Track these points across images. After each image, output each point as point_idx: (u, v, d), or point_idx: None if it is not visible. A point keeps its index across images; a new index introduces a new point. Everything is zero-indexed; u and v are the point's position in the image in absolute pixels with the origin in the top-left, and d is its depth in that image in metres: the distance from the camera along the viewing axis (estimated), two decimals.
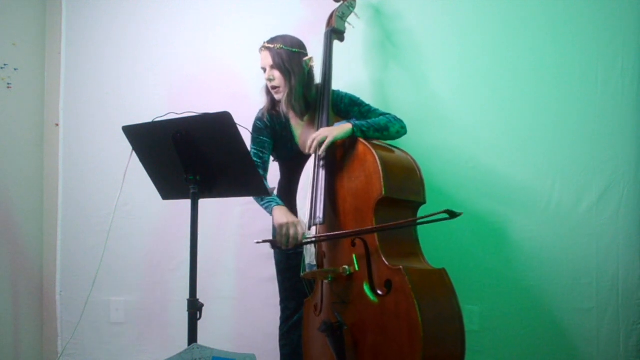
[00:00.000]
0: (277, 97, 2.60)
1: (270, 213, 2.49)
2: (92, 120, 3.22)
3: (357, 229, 2.28)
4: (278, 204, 2.49)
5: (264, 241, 2.40)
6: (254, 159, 2.52)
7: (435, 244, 2.66)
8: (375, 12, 3.03)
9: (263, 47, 2.60)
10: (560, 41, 2.93)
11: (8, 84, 3.05)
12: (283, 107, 2.59)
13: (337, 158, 2.44)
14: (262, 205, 2.54)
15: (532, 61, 2.94)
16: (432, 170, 2.85)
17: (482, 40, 2.98)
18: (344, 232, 2.32)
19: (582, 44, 2.91)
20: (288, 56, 2.54)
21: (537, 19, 2.94)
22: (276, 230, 2.43)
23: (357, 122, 2.46)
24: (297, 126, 2.66)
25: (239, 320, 3.13)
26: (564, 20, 2.93)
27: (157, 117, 2.24)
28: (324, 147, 2.38)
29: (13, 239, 3.08)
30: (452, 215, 2.01)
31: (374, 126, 2.48)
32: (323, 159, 2.42)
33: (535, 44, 2.94)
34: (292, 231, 2.37)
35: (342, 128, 2.42)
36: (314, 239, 2.36)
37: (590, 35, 2.91)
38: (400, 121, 2.57)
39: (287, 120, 2.65)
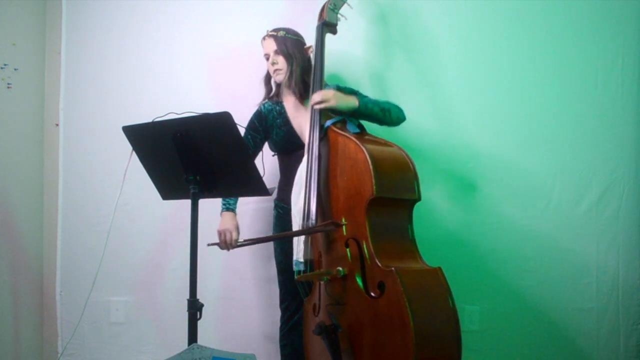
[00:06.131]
0: (277, 78, 2.72)
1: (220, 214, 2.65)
2: (92, 120, 3.21)
3: (255, 238, 2.56)
4: (228, 209, 2.65)
5: (214, 244, 2.54)
6: None
7: (435, 244, 2.66)
8: (378, 9, 3.03)
9: (267, 35, 2.72)
10: (561, 41, 2.93)
11: (8, 84, 3.05)
12: (282, 88, 2.71)
13: (329, 156, 2.44)
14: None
15: (532, 61, 2.95)
16: (432, 170, 2.85)
17: (481, 40, 2.98)
18: (262, 237, 2.60)
19: (582, 44, 2.92)
20: (291, 43, 2.69)
21: (536, 18, 2.95)
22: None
23: (364, 98, 2.55)
24: (292, 112, 2.72)
25: (239, 320, 3.12)
26: (564, 20, 2.93)
27: (157, 117, 2.23)
28: (321, 106, 2.47)
29: (13, 239, 3.08)
30: (337, 225, 2.28)
31: (379, 104, 2.56)
32: (317, 156, 2.44)
33: (535, 43, 2.94)
34: (228, 237, 2.56)
35: (348, 99, 2.50)
36: (245, 243, 2.56)
37: (590, 35, 2.91)
38: (401, 109, 2.63)
39: (282, 108, 2.73)
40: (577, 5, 2.92)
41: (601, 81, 2.91)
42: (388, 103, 2.60)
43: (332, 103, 2.46)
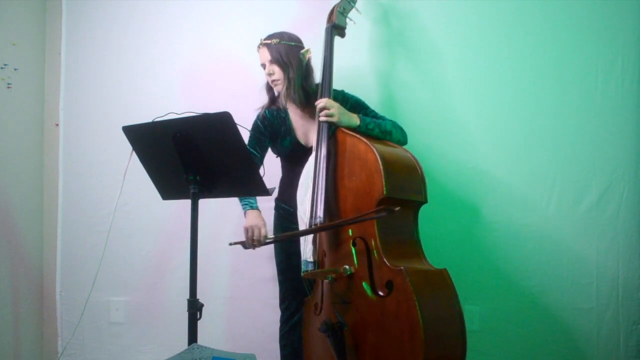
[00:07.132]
0: (276, 89, 2.68)
1: (244, 214, 2.61)
2: (92, 120, 3.22)
3: (311, 228, 2.36)
4: (252, 208, 2.60)
5: (237, 242, 2.50)
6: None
7: (436, 244, 2.66)
8: (383, 11, 3.03)
9: (261, 44, 2.66)
10: (560, 41, 2.93)
11: (8, 84, 3.05)
12: (282, 99, 2.66)
13: (337, 156, 2.44)
14: (241, 205, 2.63)
15: (533, 61, 2.94)
16: (432, 170, 2.85)
17: (480, 41, 2.98)
18: (301, 230, 2.42)
19: (582, 44, 2.92)
20: (285, 50, 2.61)
21: (536, 19, 2.94)
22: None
23: (365, 118, 2.52)
24: (296, 119, 2.69)
25: (239, 320, 3.12)
26: (563, 20, 2.93)
27: (157, 117, 2.24)
28: (324, 119, 2.46)
29: (13, 239, 3.08)
30: (391, 211, 2.10)
31: (379, 126, 2.53)
32: (325, 156, 2.43)
33: (535, 43, 2.94)
34: (256, 233, 2.51)
35: (350, 117, 2.50)
36: (276, 239, 2.58)
37: (590, 35, 2.91)
38: (403, 131, 2.61)
39: (286, 115, 2.69)
40: (577, 5, 2.92)
41: (601, 81, 2.91)
42: (392, 125, 2.57)
43: (334, 119, 2.46)
